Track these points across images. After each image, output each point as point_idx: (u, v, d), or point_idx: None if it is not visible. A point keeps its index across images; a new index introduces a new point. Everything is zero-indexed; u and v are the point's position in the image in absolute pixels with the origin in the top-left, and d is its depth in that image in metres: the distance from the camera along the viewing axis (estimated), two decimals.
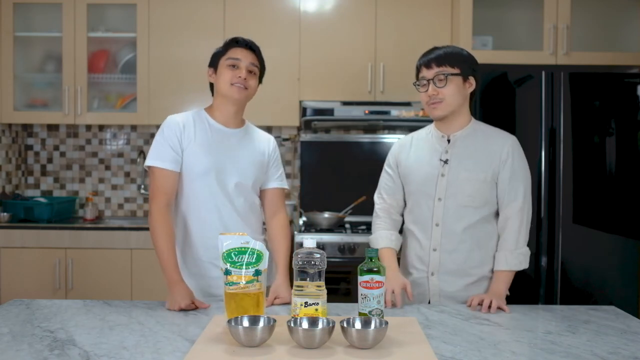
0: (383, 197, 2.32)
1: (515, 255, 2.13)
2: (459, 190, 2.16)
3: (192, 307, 1.98)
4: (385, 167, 2.35)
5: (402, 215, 2.34)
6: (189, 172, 2.17)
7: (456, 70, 2.13)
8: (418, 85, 2.20)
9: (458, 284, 2.18)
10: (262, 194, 2.33)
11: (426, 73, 2.16)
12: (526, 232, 2.16)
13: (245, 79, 2.17)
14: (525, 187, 2.17)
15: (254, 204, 2.28)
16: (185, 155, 2.16)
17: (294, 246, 3.67)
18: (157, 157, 2.14)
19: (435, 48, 2.19)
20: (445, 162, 2.19)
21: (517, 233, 2.14)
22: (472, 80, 2.17)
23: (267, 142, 2.34)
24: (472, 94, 2.21)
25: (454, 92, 2.14)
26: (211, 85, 2.28)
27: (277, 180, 2.34)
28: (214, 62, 2.23)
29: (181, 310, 1.95)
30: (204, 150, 2.17)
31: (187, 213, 2.20)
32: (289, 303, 2.01)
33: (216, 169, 2.17)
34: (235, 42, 2.20)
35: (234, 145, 2.22)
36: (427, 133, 2.29)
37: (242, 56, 2.19)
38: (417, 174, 2.23)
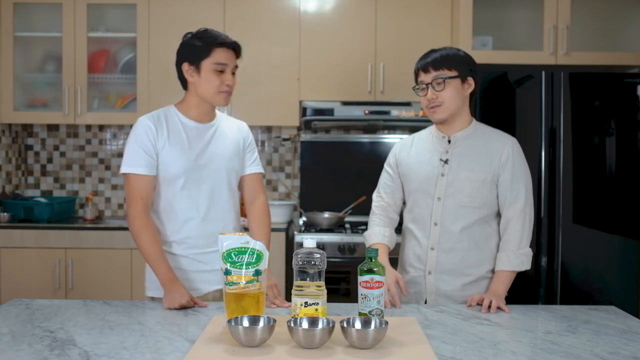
0: (381, 196, 2.33)
1: (517, 256, 2.13)
2: (459, 190, 2.16)
3: (192, 305, 1.98)
4: (386, 166, 2.35)
5: (400, 215, 2.35)
6: (166, 173, 2.12)
7: (454, 73, 2.13)
8: (417, 89, 2.20)
9: (455, 283, 2.18)
10: (240, 180, 2.29)
11: (424, 77, 2.16)
12: (529, 233, 2.16)
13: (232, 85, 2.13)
14: (527, 189, 2.17)
15: (234, 194, 2.24)
16: (161, 157, 2.11)
17: (294, 246, 3.67)
18: (132, 163, 2.09)
19: (432, 51, 2.19)
20: (446, 162, 2.19)
21: (520, 233, 2.14)
22: (470, 80, 2.17)
23: (239, 130, 2.28)
24: (472, 94, 2.21)
25: (453, 94, 2.14)
26: (183, 80, 2.19)
27: (254, 166, 2.30)
28: (193, 60, 2.12)
29: (181, 307, 1.96)
30: (179, 150, 2.12)
31: (165, 213, 2.16)
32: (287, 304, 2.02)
33: (194, 167, 2.13)
34: (221, 44, 2.11)
35: (209, 140, 2.18)
36: (428, 133, 2.30)
37: (228, 59, 2.12)
38: (417, 173, 2.23)
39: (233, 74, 2.16)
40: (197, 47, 2.12)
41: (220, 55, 2.11)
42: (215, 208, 2.18)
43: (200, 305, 1.99)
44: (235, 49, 2.15)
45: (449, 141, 2.21)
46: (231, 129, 2.26)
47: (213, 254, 2.14)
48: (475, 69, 2.19)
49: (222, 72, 2.12)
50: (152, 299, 2.17)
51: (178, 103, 2.22)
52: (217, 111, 2.27)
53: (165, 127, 2.13)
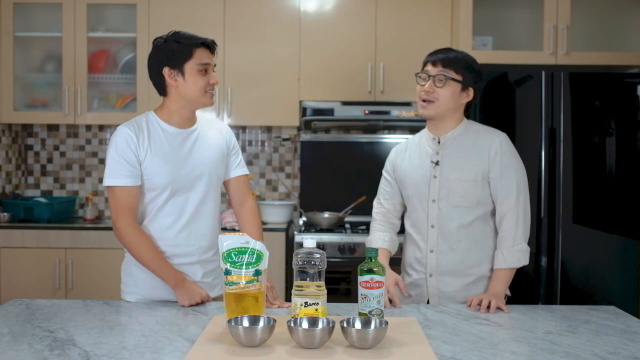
0: (381, 202, 2.34)
1: (512, 253, 2.12)
2: (451, 191, 2.16)
3: (208, 299, 2.06)
4: (384, 172, 2.37)
5: (401, 219, 2.35)
6: (151, 183, 2.07)
7: (459, 77, 2.14)
8: (419, 76, 2.19)
9: (456, 284, 2.18)
10: (225, 184, 2.26)
11: (430, 69, 2.16)
12: (524, 228, 2.14)
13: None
14: (518, 183, 2.15)
15: (218, 200, 2.20)
16: (145, 167, 2.05)
17: (294, 246, 3.67)
18: (115, 174, 2.03)
19: (449, 49, 2.20)
20: (437, 163, 2.19)
21: (514, 230, 2.12)
22: (470, 91, 2.17)
23: (221, 133, 2.23)
24: (468, 105, 2.22)
25: (449, 96, 2.14)
26: (162, 86, 2.11)
27: (239, 168, 2.26)
28: (175, 63, 2.06)
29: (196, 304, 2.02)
30: (162, 159, 2.07)
31: (148, 222, 2.11)
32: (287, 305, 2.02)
33: (179, 177, 2.08)
34: (201, 44, 2.07)
35: (192, 147, 2.13)
36: (420, 137, 2.30)
37: (209, 58, 2.09)
38: (412, 177, 2.24)
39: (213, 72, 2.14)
40: (177, 50, 2.06)
41: (201, 55, 2.07)
42: (200, 217, 2.13)
43: (209, 300, 2.05)
44: (212, 47, 2.12)
45: (439, 142, 2.22)
46: (213, 133, 2.20)
47: (195, 265, 2.14)
48: (480, 84, 2.19)
49: (205, 71, 2.09)
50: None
51: (157, 109, 2.15)
52: (197, 114, 2.20)
53: (147, 135, 2.07)
